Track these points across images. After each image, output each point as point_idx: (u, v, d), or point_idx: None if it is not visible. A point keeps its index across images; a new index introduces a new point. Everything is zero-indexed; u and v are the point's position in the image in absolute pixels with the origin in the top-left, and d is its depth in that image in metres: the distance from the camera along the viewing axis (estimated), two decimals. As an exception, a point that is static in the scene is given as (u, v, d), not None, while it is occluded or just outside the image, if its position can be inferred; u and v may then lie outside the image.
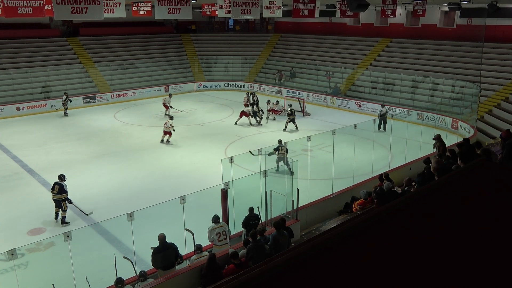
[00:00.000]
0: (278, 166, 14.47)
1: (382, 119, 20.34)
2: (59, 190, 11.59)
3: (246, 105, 22.98)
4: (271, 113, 22.76)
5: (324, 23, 33.35)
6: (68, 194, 11.73)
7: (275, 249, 7.70)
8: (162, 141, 18.75)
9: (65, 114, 24.08)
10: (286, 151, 14.70)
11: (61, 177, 11.79)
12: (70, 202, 11.75)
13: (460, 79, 22.95)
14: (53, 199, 11.72)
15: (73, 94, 26.44)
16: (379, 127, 20.31)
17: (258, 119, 21.93)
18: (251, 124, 21.82)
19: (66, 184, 11.76)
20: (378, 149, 16.61)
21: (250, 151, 14.82)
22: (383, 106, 21.64)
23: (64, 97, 23.95)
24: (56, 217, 11.83)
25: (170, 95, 24.75)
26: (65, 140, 19.44)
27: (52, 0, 10.35)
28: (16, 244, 7.20)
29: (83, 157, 17.14)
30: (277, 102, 23.30)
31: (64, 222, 11.67)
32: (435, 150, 13.24)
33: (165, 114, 23.42)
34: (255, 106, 22.46)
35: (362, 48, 29.96)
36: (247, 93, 24.57)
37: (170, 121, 18.74)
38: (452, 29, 27.08)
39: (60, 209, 11.68)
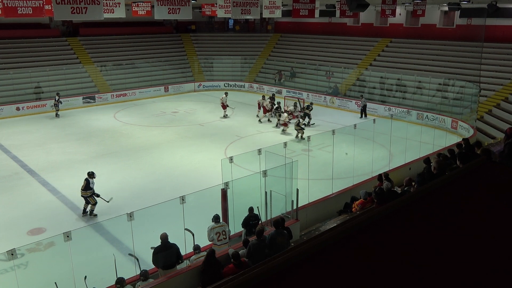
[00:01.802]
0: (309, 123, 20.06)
1: (363, 108, 22.69)
2: (85, 187, 12.07)
3: (265, 108, 22.87)
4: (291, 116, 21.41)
5: (324, 23, 33.35)
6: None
7: (272, 248, 7.63)
8: (283, 130, 20.63)
9: (57, 115, 23.64)
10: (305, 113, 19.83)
11: (90, 174, 12.26)
12: (98, 195, 12.22)
13: (460, 79, 22.95)
14: (81, 195, 12.25)
15: (73, 94, 26.49)
16: (361, 116, 22.63)
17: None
18: (269, 120, 22.47)
19: (94, 181, 12.23)
20: (378, 149, 16.60)
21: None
22: (361, 96, 23.27)
23: (57, 97, 23.59)
24: (84, 212, 12.26)
25: (226, 94, 24.14)
26: (65, 140, 19.44)
27: (52, 0, 10.35)
28: (16, 244, 7.19)
29: (83, 157, 17.13)
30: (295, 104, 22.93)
31: (91, 214, 12.22)
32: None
33: (224, 116, 23.22)
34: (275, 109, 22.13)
35: (362, 48, 29.96)
36: (263, 96, 24.08)
37: (284, 114, 20.71)
38: (452, 29, 27.08)
39: (89, 204, 12.17)
